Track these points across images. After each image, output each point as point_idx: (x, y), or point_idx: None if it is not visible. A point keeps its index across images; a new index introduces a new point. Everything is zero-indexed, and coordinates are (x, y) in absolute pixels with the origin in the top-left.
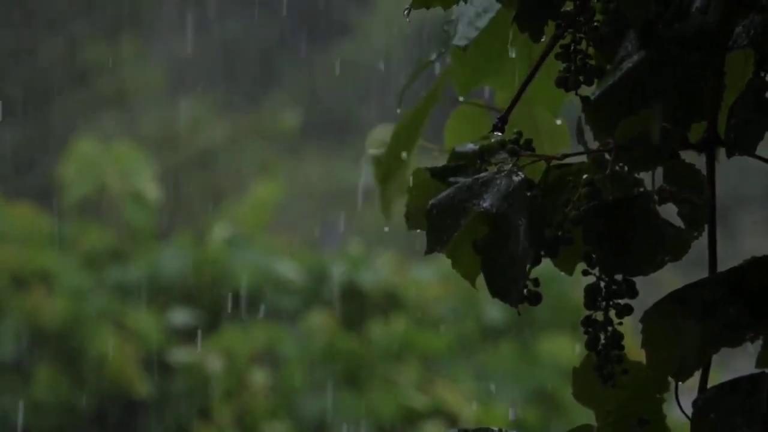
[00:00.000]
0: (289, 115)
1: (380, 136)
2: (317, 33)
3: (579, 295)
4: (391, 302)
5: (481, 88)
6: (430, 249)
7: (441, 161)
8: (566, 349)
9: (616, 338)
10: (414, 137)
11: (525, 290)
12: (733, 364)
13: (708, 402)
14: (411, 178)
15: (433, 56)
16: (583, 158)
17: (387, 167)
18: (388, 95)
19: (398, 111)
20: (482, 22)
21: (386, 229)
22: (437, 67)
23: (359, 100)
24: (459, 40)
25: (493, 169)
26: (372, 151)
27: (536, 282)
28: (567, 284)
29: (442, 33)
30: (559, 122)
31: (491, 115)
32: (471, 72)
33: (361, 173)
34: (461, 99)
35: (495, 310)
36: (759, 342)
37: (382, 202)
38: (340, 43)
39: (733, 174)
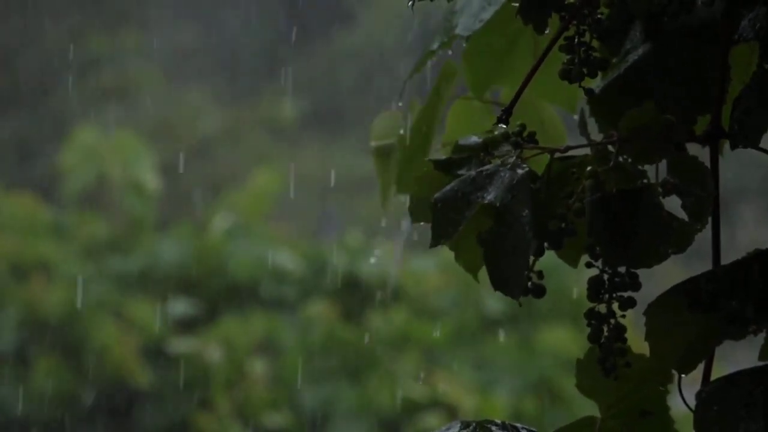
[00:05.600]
0: (288, 105)
1: (384, 125)
2: (316, 23)
3: (578, 287)
4: (390, 293)
5: None
6: (435, 242)
7: (442, 153)
8: (566, 340)
9: (619, 331)
10: (428, 141)
11: (529, 283)
12: (736, 357)
13: (711, 394)
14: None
15: (435, 46)
16: (587, 150)
17: (400, 169)
18: (387, 85)
19: (399, 104)
20: (487, 14)
21: (383, 222)
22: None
23: (358, 91)
24: (462, 31)
25: (497, 161)
26: (374, 142)
27: (540, 274)
28: (567, 276)
29: (445, 23)
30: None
31: (493, 106)
32: (483, 73)
33: (360, 164)
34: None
35: (494, 301)
36: (762, 335)
37: (383, 196)
38: (340, 33)
39: (732, 166)
